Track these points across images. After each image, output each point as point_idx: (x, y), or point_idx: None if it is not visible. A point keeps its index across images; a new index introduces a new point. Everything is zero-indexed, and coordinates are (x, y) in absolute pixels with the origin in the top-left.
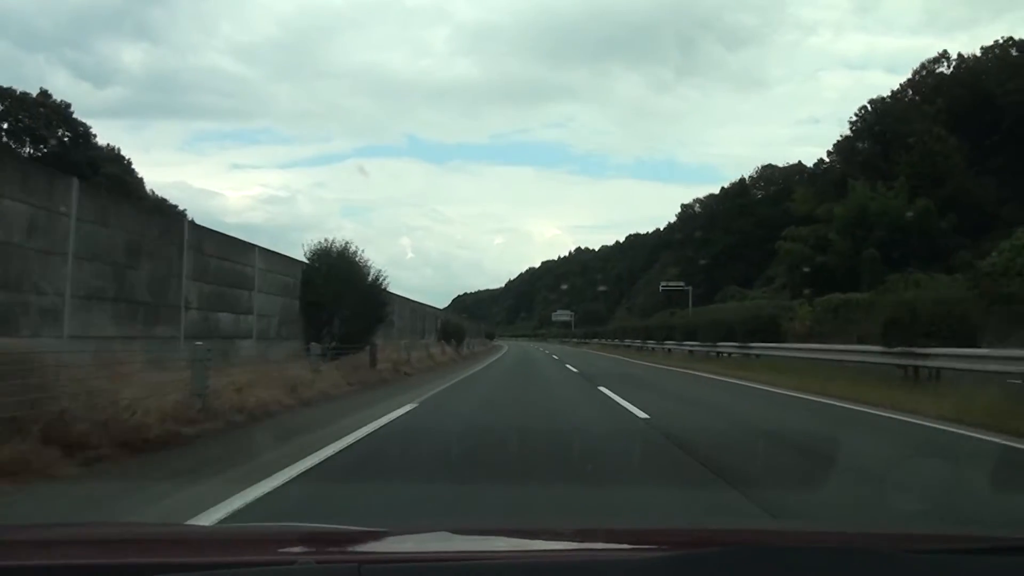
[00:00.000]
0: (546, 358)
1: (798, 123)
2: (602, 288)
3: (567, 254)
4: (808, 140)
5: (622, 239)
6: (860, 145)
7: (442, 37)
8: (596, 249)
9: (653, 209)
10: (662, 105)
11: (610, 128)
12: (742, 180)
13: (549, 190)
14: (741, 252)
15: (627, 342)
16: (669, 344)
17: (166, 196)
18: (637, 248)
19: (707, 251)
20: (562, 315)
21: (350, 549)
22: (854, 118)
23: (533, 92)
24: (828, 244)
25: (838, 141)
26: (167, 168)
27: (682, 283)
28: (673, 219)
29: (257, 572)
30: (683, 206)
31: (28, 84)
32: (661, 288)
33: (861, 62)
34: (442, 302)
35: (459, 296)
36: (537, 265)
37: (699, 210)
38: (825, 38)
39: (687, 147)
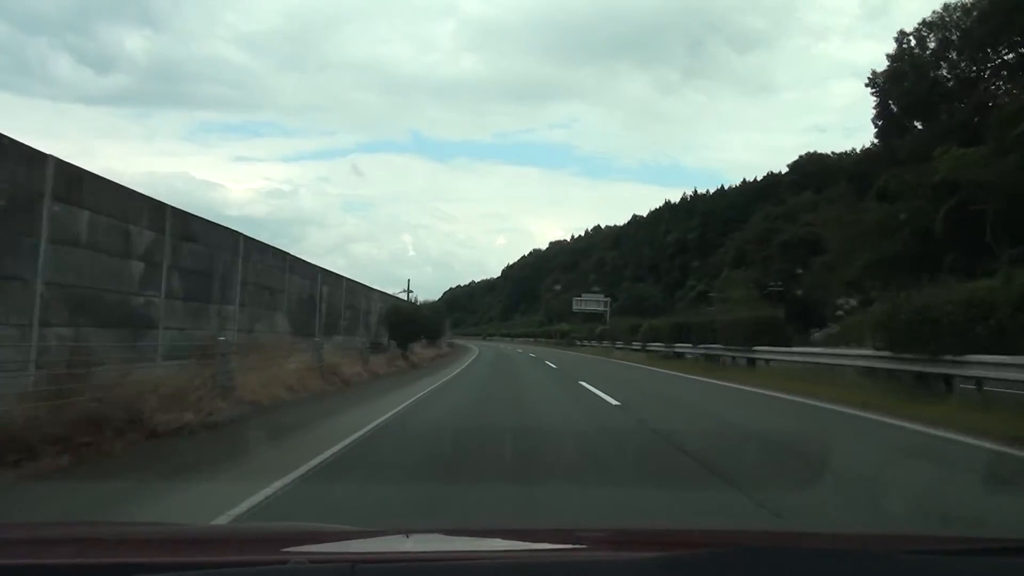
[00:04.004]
0: None
1: (804, 131)
2: (595, 289)
3: (583, 233)
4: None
5: (675, 199)
6: None
7: (448, 32)
8: (620, 225)
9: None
10: (668, 108)
11: (615, 130)
12: None
13: (553, 191)
14: None
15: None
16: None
17: (170, 187)
18: (698, 207)
19: None
20: (590, 301)
21: (344, 548)
22: None
23: (539, 91)
24: None
25: None
26: (170, 158)
27: None
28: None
29: (251, 572)
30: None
31: (29, 68)
32: None
33: (869, 71)
34: (435, 297)
35: (451, 289)
36: (544, 247)
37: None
38: (834, 44)
39: (692, 151)
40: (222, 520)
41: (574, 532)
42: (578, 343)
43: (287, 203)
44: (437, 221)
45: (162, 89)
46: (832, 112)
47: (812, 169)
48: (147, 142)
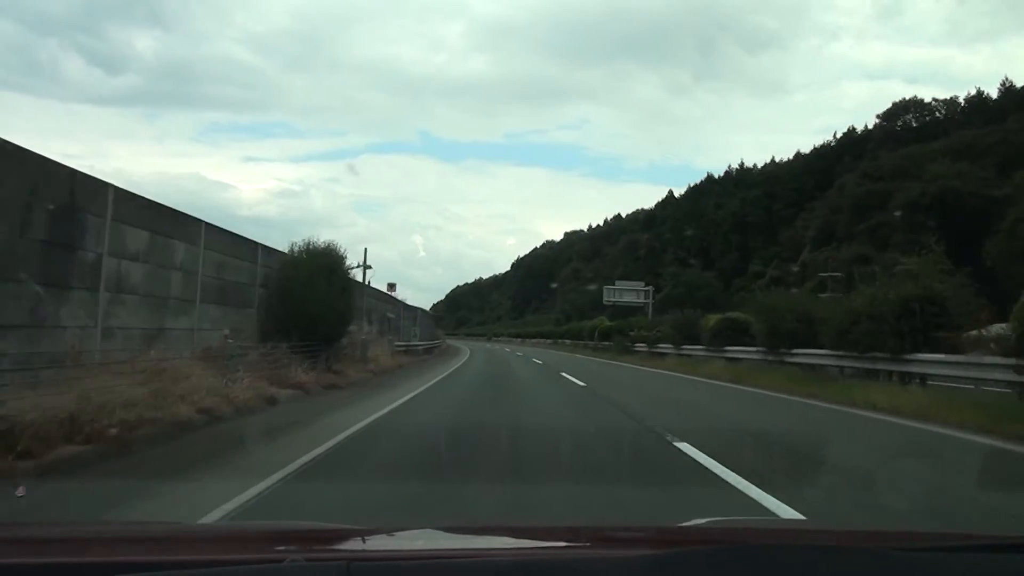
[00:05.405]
0: None
1: (815, 132)
2: (590, 286)
3: (602, 222)
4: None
5: (716, 173)
6: None
7: (458, 32)
8: (647, 208)
9: None
10: (679, 109)
11: (625, 131)
12: None
13: (562, 193)
14: None
15: None
16: None
17: (181, 187)
18: (746, 180)
19: None
20: (626, 291)
21: (339, 547)
22: None
23: (549, 92)
24: None
25: None
26: (181, 159)
27: None
28: None
29: (247, 570)
30: None
31: (40, 69)
32: None
33: (881, 71)
34: (440, 297)
35: (457, 287)
36: (558, 238)
37: None
38: (847, 44)
39: (703, 153)
40: None
41: (569, 529)
42: (634, 348)
43: (298, 203)
44: (447, 222)
45: (172, 90)
46: (843, 113)
47: (909, 118)
48: (158, 143)
